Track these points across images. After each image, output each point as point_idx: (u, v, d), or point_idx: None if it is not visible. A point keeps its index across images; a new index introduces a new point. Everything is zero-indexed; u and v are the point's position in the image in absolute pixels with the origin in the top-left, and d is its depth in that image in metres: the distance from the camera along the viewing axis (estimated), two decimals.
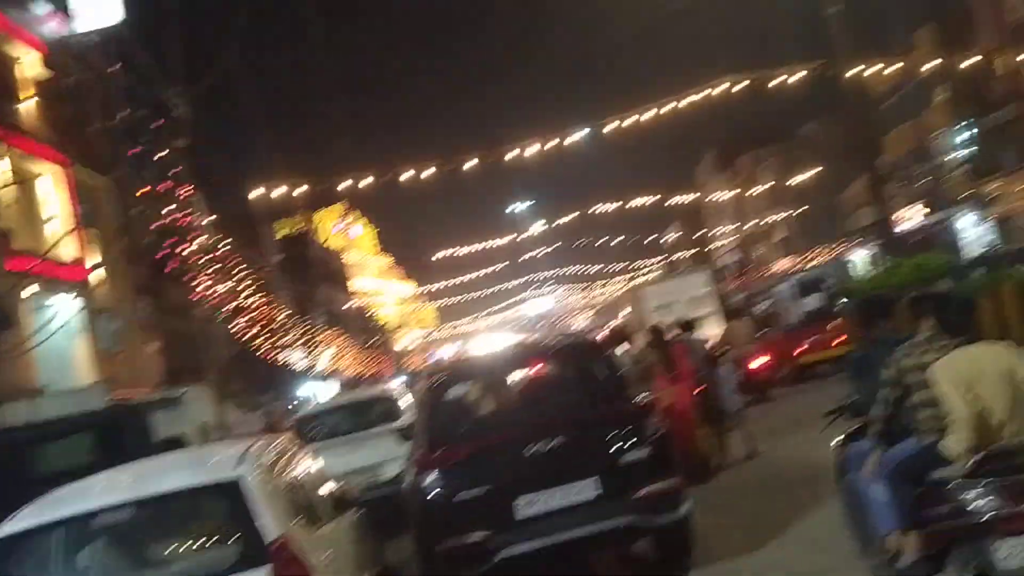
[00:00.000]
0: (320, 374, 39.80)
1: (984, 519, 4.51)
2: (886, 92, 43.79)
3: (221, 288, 22.35)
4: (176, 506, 5.31)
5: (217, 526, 5.27)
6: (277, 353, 31.79)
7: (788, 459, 11.28)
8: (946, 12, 39.51)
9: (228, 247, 24.33)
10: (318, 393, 34.29)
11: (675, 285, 29.53)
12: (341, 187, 26.17)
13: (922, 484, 4.92)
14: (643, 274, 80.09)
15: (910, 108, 40.85)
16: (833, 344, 20.40)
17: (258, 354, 29.70)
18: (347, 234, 71.56)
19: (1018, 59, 35.27)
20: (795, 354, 21.30)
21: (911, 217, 43.36)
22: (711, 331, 20.17)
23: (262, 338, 28.08)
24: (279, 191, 25.33)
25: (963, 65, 35.51)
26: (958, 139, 40.66)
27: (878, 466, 5.30)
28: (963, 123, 40.03)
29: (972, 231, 38.03)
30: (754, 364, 18.70)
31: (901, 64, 26.23)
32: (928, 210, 42.61)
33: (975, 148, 40.08)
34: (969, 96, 39.68)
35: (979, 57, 36.74)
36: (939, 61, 36.95)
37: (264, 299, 28.93)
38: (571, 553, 7.31)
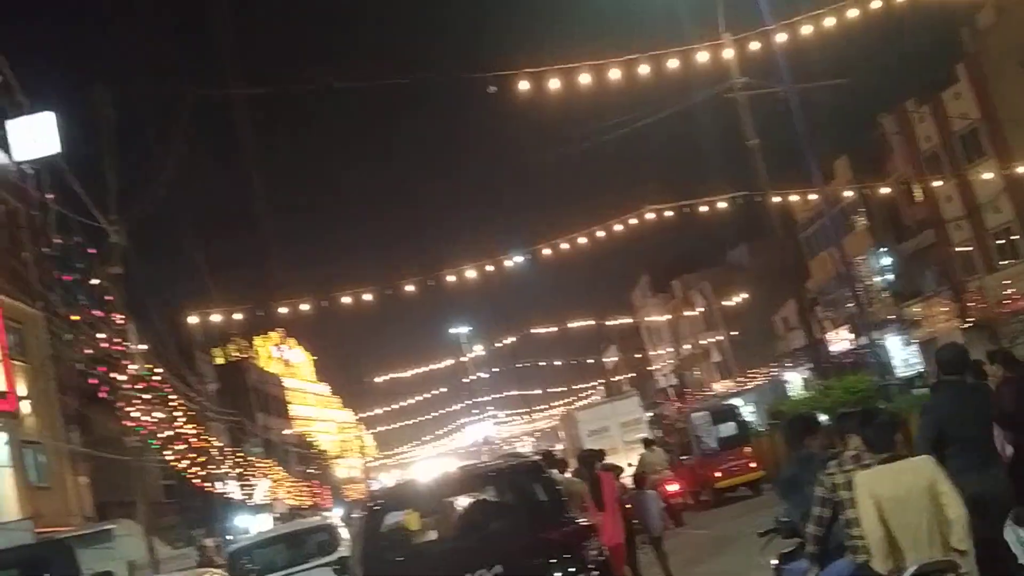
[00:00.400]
0: (256, 506, 38.61)
1: None
2: (809, 218, 45.62)
3: (154, 417, 21.84)
4: None
5: None
6: (212, 484, 30.87)
7: None
8: (862, 142, 41.71)
9: (162, 375, 23.89)
10: (254, 526, 33.22)
11: (608, 409, 30.63)
12: (279, 313, 26.10)
13: None
14: (583, 397, 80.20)
15: (832, 234, 42.50)
16: (749, 468, 22.11)
17: (192, 486, 28.83)
18: (285, 361, 70.71)
19: (933, 186, 37.13)
20: (714, 479, 22.42)
21: (839, 340, 44.53)
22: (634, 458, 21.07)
23: (196, 469, 27.30)
24: (216, 318, 25.15)
25: (881, 192, 37.32)
26: (879, 263, 42.28)
27: None
28: (882, 248, 41.71)
29: (899, 353, 39.13)
30: (670, 489, 19.35)
31: (820, 193, 27.51)
32: (851, 334, 43.83)
33: (895, 273, 41.67)
34: (887, 222, 41.55)
35: (893, 185, 38.67)
36: (854, 192, 38.79)
37: (199, 428, 28.28)
38: None
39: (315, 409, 74.76)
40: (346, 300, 25.28)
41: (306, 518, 25.51)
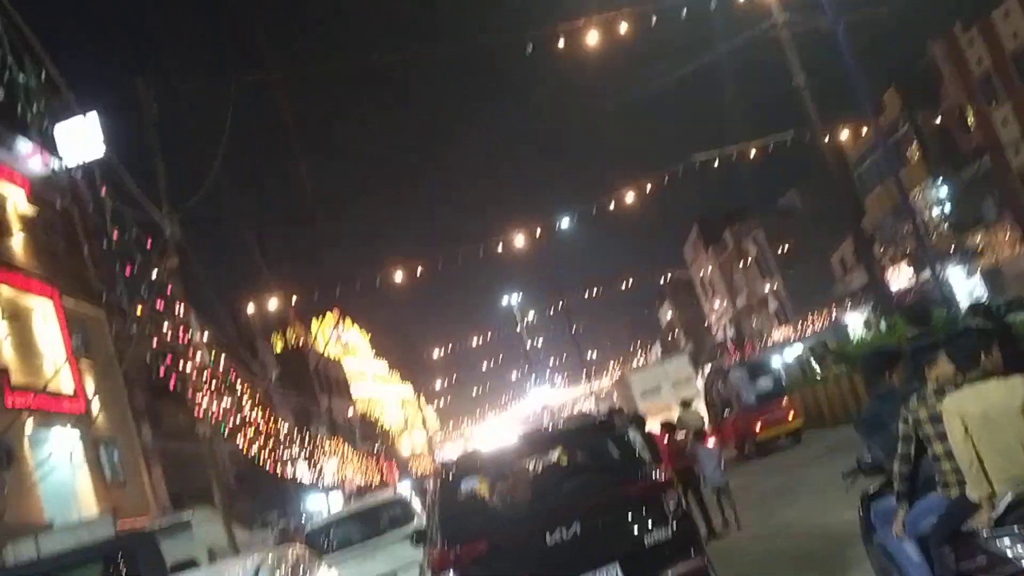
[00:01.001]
0: (326, 486, 39.21)
1: (1021, 569, 4.40)
2: (861, 154, 44.61)
3: (222, 405, 22.19)
4: None
5: None
6: (282, 468, 31.40)
7: (789, 528, 11.28)
8: (910, 71, 40.57)
9: (226, 363, 24.24)
10: (326, 506, 33.74)
11: (659, 370, 32.21)
12: (334, 294, 26.35)
13: (955, 537, 4.79)
14: (641, 355, 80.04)
15: (886, 168, 41.48)
16: (787, 419, 23.24)
17: (262, 471, 29.34)
18: (343, 341, 71.45)
19: (988, 111, 36.04)
20: (754, 432, 23.24)
21: (899, 276, 43.66)
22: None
23: (266, 453, 27.76)
24: (273, 304, 25.44)
25: (934, 121, 36.29)
26: (937, 195, 41.26)
27: (906, 524, 5.18)
28: (939, 179, 40.69)
29: (962, 285, 38.24)
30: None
31: (871, 127, 26.79)
32: (912, 269, 42.94)
33: (953, 203, 40.65)
34: (942, 151, 40.46)
35: (946, 113, 37.54)
36: (907, 122, 37.83)
37: (265, 414, 28.71)
38: None
39: (376, 386, 75.58)
40: (399, 277, 25.43)
41: (376, 494, 25.82)
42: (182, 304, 17.33)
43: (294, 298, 26.44)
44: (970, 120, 38.14)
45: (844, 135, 27.00)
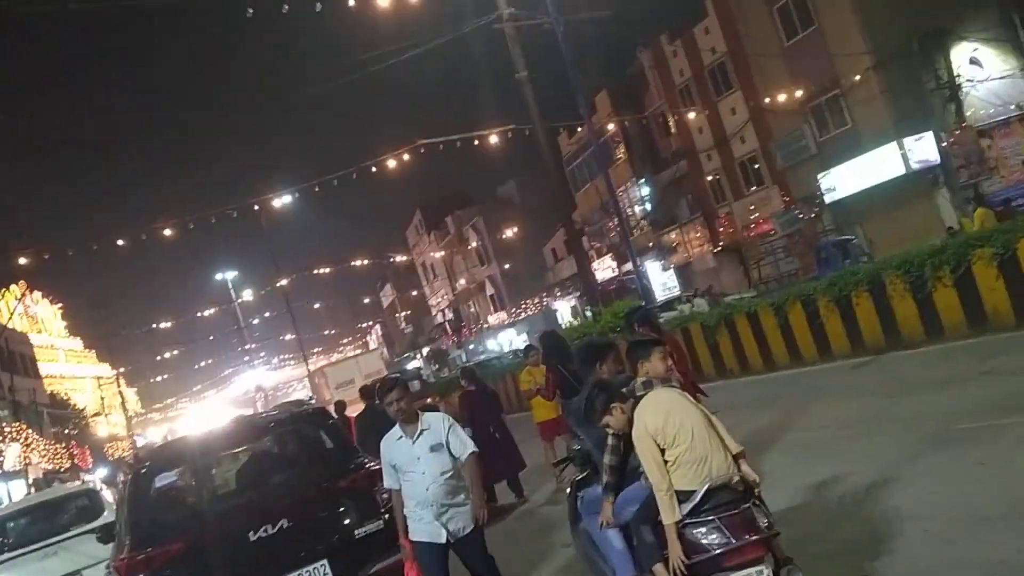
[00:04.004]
0: (8, 473, 35.52)
1: (713, 555, 4.62)
2: (573, 152, 46.91)
3: None
4: None
5: None
6: None
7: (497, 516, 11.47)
8: (622, 77, 43.11)
9: None
10: (5, 494, 30.64)
11: (353, 364, 34.19)
12: (19, 264, 23.85)
13: (659, 525, 4.95)
14: (360, 338, 79.61)
15: (595, 167, 43.95)
16: None
17: None
18: (30, 315, 65.12)
19: (686, 118, 38.99)
20: None
21: (604, 268, 46.47)
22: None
23: None
24: None
25: (639, 124, 38.71)
26: (639, 193, 44.24)
27: (611, 513, 5.31)
28: (641, 179, 43.65)
29: (658, 278, 41.34)
30: None
31: (584, 126, 28.18)
32: (615, 262, 45.86)
33: (653, 202, 43.78)
34: (646, 153, 43.42)
35: (650, 118, 40.15)
36: (615, 125, 40.16)
37: None
38: None
39: (69, 366, 69.75)
40: (98, 248, 23.44)
41: (65, 483, 23.72)
42: None
43: None
44: (671, 126, 41.16)
45: (560, 131, 28.10)
